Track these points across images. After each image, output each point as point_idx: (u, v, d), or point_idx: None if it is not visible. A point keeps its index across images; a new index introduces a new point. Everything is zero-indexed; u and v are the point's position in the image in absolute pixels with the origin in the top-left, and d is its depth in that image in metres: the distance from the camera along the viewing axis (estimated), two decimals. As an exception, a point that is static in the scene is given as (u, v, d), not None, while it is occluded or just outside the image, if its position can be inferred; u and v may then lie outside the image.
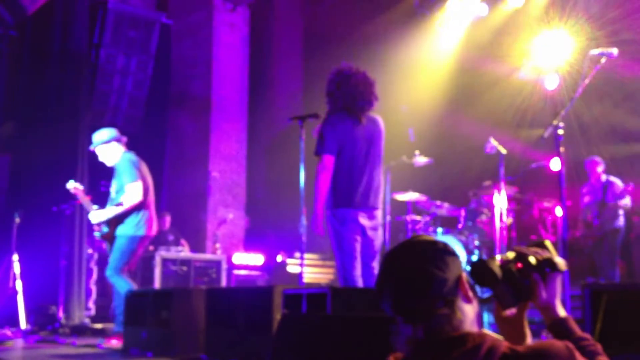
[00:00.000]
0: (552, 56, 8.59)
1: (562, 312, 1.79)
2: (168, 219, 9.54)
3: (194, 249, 9.20)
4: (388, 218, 8.77)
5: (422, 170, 8.58)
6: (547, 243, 1.85)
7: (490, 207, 7.95)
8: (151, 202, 6.04)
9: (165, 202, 10.43)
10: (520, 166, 8.14)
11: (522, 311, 1.82)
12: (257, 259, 9.20)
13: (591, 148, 8.48)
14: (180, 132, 10.57)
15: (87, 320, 7.83)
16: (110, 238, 5.91)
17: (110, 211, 5.83)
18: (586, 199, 8.22)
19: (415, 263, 1.62)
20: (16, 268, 7.29)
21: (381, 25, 10.56)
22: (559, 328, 1.76)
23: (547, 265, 1.77)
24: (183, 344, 4.88)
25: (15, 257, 7.33)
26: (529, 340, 1.81)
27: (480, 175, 8.48)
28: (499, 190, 7.64)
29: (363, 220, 4.64)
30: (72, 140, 8.43)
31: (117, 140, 6.05)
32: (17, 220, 7.42)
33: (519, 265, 1.77)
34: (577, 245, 8.04)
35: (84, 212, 8.20)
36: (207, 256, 8.62)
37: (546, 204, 8.61)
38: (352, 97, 4.66)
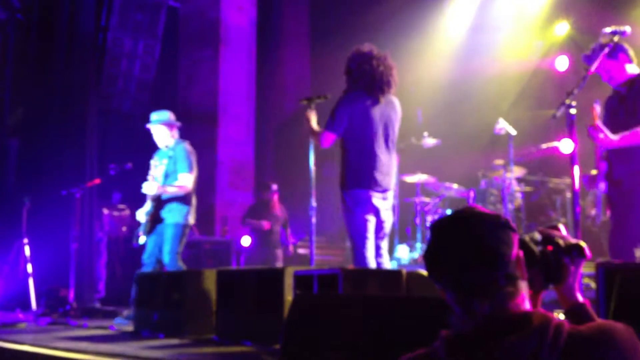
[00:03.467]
0: (562, 36, 8.53)
1: (580, 297, 1.79)
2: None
3: (203, 232, 9.22)
4: (397, 200, 8.78)
5: (430, 152, 8.56)
6: (561, 226, 1.85)
7: (500, 188, 7.93)
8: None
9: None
10: (530, 147, 8.10)
11: (540, 293, 1.79)
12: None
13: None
14: (188, 116, 10.55)
15: (97, 303, 7.88)
16: (150, 231, 5.97)
17: (161, 187, 5.90)
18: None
19: (482, 236, 1.57)
20: (27, 251, 7.33)
21: (389, 7, 10.48)
22: (579, 312, 1.76)
23: (575, 249, 1.77)
24: (194, 326, 4.91)
25: (26, 241, 7.37)
26: None
27: (490, 156, 8.45)
28: (509, 172, 7.63)
29: (376, 201, 4.65)
30: (81, 123, 8.44)
31: (174, 125, 6.18)
32: (27, 204, 7.46)
33: (550, 248, 1.76)
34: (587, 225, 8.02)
35: (93, 195, 8.24)
36: (217, 239, 8.66)
37: (556, 185, 8.57)
38: (372, 76, 4.66)
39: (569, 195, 7.96)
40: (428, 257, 1.64)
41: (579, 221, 3.79)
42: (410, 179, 8.34)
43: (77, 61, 8.67)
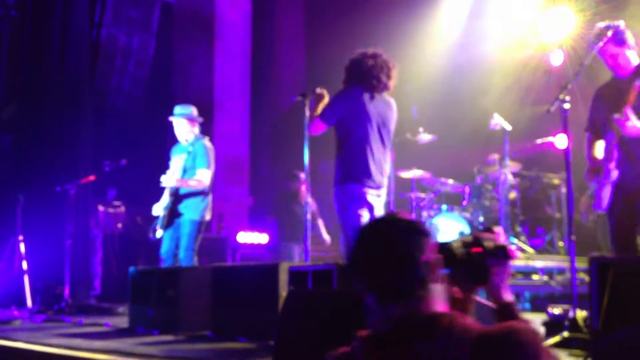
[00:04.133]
0: (557, 31, 8.53)
1: (508, 297, 1.86)
2: (172, 199, 9.53)
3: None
4: (392, 195, 8.77)
5: (426, 147, 8.55)
6: (498, 228, 1.95)
7: (495, 183, 7.93)
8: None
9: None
10: (525, 142, 8.10)
11: (472, 293, 1.89)
12: (261, 237, 9.22)
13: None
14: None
15: (93, 300, 7.87)
16: (167, 225, 5.99)
17: (179, 181, 5.96)
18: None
19: (396, 242, 1.64)
20: (22, 248, 7.31)
21: (385, 2, 10.47)
22: (505, 311, 1.83)
23: (502, 251, 1.86)
24: (189, 322, 4.90)
25: (21, 238, 7.35)
26: None
27: (485, 151, 8.44)
28: (504, 167, 7.63)
29: (370, 197, 4.65)
30: (75, 120, 8.42)
31: (196, 120, 6.22)
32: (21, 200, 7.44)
33: (477, 249, 1.86)
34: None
35: (88, 192, 8.21)
36: (212, 235, 8.64)
37: (551, 180, 8.58)
38: (370, 74, 4.70)
39: (564, 190, 7.97)
40: (349, 261, 1.72)
41: (572, 216, 3.80)
42: (406, 174, 8.34)
43: (71, 57, 8.64)
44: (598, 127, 4.32)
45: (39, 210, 7.88)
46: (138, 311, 5.37)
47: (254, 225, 9.88)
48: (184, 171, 6.00)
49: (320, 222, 8.65)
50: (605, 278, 2.69)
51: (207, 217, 6.10)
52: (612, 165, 4.05)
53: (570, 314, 3.65)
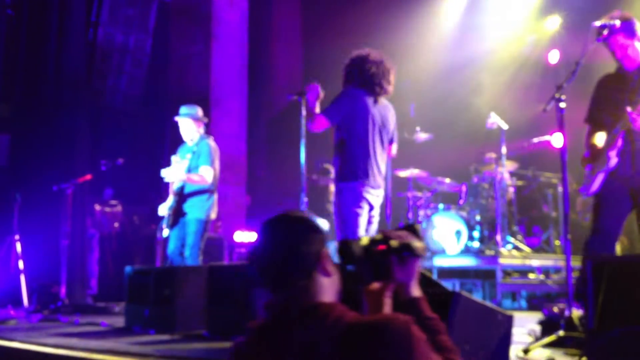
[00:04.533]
0: (554, 30, 8.53)
1: (416, 292, 1.94)
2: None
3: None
4: (389, 195, 8.76)
5: (423, 146, 8.55)
6: (417, 227, 2.03)
7: (492, 182, 7.94)
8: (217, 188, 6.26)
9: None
10: (522, 141, 8.11)
11: (384, 287, 1.94)
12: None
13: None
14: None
15: (89, 299, 7.86)
16: (173, 224, 6.03)
17: (183, 175, 5.96)
18: None
19: (281, 236, 1.78)
20: (18, 248, 7.30)
21: (382, 1, 10.47)
22: (410, 307, 1.90)
23: (406, 249, 1.92)
24: (185, 321, 4.90)
25: (17, 237, 7.34)
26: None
27: (482, 150, 8.45)
28: (501, 166, 7.63)
29: (370, 196, 4.69)
30: (72, 119, 8.40)
31: (201, 120, 6.28)
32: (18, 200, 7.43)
33: (382, 247, 1.93)
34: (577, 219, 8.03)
35: (84, 191, 8.20)
36: (209, 234, 8.62)
37: (548, 179, 8.59)
38: (372, 80, 4.74)
39: (560, 189, 7.98)
40: (248, 254, 1.85)
41: (568, 215, 3.80)
42: (403, 173, 8.34)
43: (68, 57, 8.63)
44: (600, 117, 4.25)
45: (35, 209, 7.86)
46: (134, 310, 5.36)
47: (251, 224, 9.88)
48: (189, 170, 6.03)
49: None
50: (600, 277, 2.69)
51: (213, 216, 6.13)
52: (613, 153, 4.01)
53: (566, 312, 3.66)
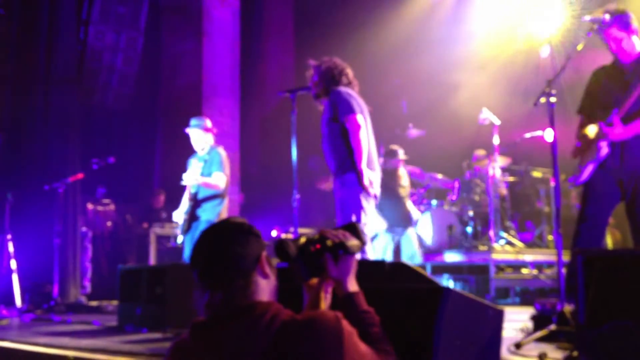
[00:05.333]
0: (545, 25, 8.53)
1: (352, 288, 2.06)
2: (162, 197, 9.51)
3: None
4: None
5: (415, 143, 8.55)
6: (357, 226, 2.17)
7: (484, 178, 7.94)
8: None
9: (159, 179, 10.39)
10: (514, 136, 8.12)
11: (321, 284, 2.08)
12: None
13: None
14: (172, 109, 10.49)
15: (82, 298, 7.83)
16: (187, 230, 6.27)
17: (200, 178, 6.22)
18: None
19: (219, 240, 1.91)
20: (10, 247, 7.27)
21: (373, -1, 10.46)
22: (346, 301, 2.03)
23: (340, 247, 2.04)
24: (177, 320, 4.87)
25: (9, 237, 7.31)
26: (324, 308, 2.07)
27: (474, 146, 8.46)
28: (493, 161, 7.64)
29: (376, 185, 4.73)
30: (63, 117, 8.36)
31: (210, 130, 6.54)
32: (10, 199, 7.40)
33: (317, 246, 2.06)
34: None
35: (76, 190, 8.17)
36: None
37: (540, 175, 8.60)
38: (352, 82, 4.92)
39: (553, 184, 7.99)
40: (189, 258, 1.96)
41: (560, 210, 3.80)
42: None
43: (59, 55, 8.58)
44: (592, 109, 4.25)
45: (27, 208, 7.83)
46: (127, 309, 5.34)
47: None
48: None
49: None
50: (591, 271, 2.69)
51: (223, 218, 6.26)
52: (604, 143, 4.02)
53: (558, 307, 3.66)
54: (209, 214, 6.23)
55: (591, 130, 4.18)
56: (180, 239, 6.32)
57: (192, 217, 6.27)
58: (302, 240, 2.08)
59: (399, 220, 7.53)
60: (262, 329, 1.79)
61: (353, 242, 2.09)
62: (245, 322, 1.81)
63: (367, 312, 2.02)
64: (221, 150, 6.44)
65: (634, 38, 4.14)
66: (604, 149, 4.02)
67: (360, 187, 4.62)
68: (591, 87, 4.32)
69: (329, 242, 2.06)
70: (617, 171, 4.08)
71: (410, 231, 7.57)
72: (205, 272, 1.91)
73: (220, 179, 6.27)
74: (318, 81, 4.94)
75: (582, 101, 4.36)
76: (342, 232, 2.11)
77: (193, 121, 6.59)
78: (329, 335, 1.77)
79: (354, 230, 2.15)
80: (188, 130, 6.55)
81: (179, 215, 6.34)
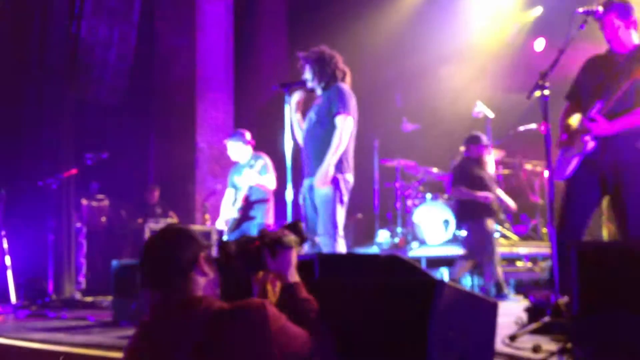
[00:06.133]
0: (538, 18, 8.54)
1: (293, 279, 2.30)
2: (156, 192, 9.50)
3: (183, 221, 9.17)
4: (377, 185, 8.78)
5: (410, 136, 8.56)
6: (298, 224, 2.43)
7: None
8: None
9: (153, 174, 10.37)
10: (508, 129, 8.13)
11: (265, 277, 2.36)
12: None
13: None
14: (166, 103, 10.46)
15: (77, 294, 7.82)
16: (234, 229, 6.53)
17: (258, 178, 6.52)
18: None
19: (159, 244, 2.14)
20: (4, 243, 7.24)
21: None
22: (287, 291, 2.28)
23: (277, 243, 2.30)
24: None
25: (3, 233, 7.28)
26: (272, 299, 2.32)
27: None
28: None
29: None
30: (56, 113, 8.33)
31: (250, 143, 6.83)
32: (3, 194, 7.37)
33: (256, 243, 2.32)
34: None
35: (70, 186, 8.15)
36: (196, 227, 8.60)
37: (534, 167, 8.61)
38: (344, 72, 4.92)
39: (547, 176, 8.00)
40: (139, 261, 2.17)
41: (553, 202, 3.80)
42: (390, 163, 8.34)
43: (52, 50, 8.54)
44: (579, 97, 4.20)
45: (21, 204, 7.81)
46: (122, 305, 5.33)
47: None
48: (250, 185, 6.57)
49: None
50: (584, 263, 2.70)
51: (270, 220, 6.69)
52: (589, 137, 3.96)
53: (552, 299, 3.67)
54: (260, 216, 6.57)
55: (575, 120, 4.14)
56: (225, 238, 6.51)
57: (243, 218, 6.55)
58: (242, 239, 2.36)
59: (488, 212, 6.75)
60: (195, 322, 1.97)
61: (290, 237, 2.32)
62: (180, 317, 2.00)
63: (306, 300, 2.24)
64: (264, 156, 6.74)
65: (632, 30, 4.09)
66: (590, 144, 3.96)
67: (339, 186, 4.65)
68: (581, 75, 4.26)
69: (266, 239, 2.30)
70: (598, 162, 4.00)
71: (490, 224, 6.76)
72: (147, 273, 2.12)
73: (271, 182, 6.60)
74: (314, 76, 4.93)
75: (570, 87, 4.29)
76: (281, 230, 2.36)
77: (234, 135, 6.94)
78: (255, 321, 1.97)
79: (295, 227, 2.40)
80: (228, 143, 6.88)
81: (231, 210, 6.61)
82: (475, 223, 6.55)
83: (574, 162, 4.06)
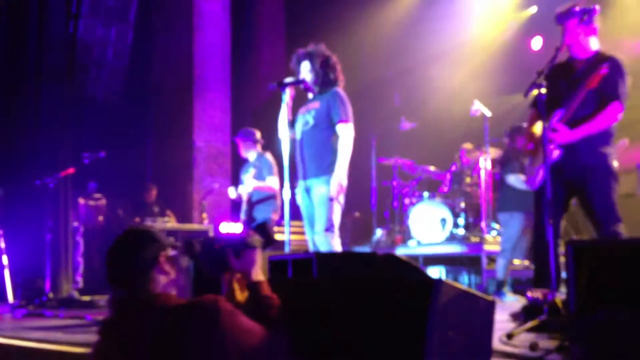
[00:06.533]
0: (535, 16, 8.54)
1: (258, 277, 2.41)
2: (154, 191, 9.49)
3: (180, 220, 9.17)
4: (374, 183, 8.78)
5: (407, 135, 8.56)
6: (266, 225, 2.60)
7: (476, 169, 7.96)
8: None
9: (150, 173, 10.36)
10: (505, 128, 8.13)
11: (232, 276, 2.47)
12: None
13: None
14: (163, 102, 10.45)
15: (74, 293, 7.81)
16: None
17: (253, 183, 6.80)
18: None
19: (122, 245, 2.26)
20: (1, 243, 7.23)
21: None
22: (252, 289, 2.39)
23: (242, 244, 2.41)
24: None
25: (0, 232, 7.27)
26: (239, 297, 2.43)
27: (465, 139, 8.47)
28: (484, 153, 7.65)
29: None
30: (54, 112, 8.32)
31: (260, 142, 7.16)
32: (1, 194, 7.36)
33: (216, 246, 2.43)
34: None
35: (67, 185, 8.14)
36: (194, 226, 8.60)
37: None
38: (340, 76, 5.03)
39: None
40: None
41: (550, 200, 3.81)
42: (388, 162, 8.34)
43: (49, 50, 8.53)
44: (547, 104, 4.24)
45: (18, 204, 7.80)
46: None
47: (237, 216, 9.84)
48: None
49: None
50: (581, 261, 2.70)
51: (275, 217, 6.89)
52: (552, 146, 4.01)
53: (549, 297, 3.68)
54: (264, 214, 6.80)
55: (539, 128, 4.19)
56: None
57: (249, 219, 6.83)
58: (207, 240, 2.46)
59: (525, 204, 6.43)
60: (152, 318, 2.09)
61: (255, 238, 2.44)
62: (138, 314, 2.12)
63: (268, 297, 2.36)
64: (269, 156, 6.99)
65: (592, 37, 4.11)
66: (555, 152, 4.04)
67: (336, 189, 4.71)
68: (548, 82, 4.26)
69: (230, 240, 2.42)
70: (566, 168, 4.08)
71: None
72: (110, 273, 2.23)
73: (274, 182, 6.82)
74: (315, 77, 4.95)
75: (535, 96, 4.32)
76: (247, 230, 2.47)
77: (243, 134, 7.20)
78: (207, 316, 2.07)
79: (263, 228, 2.55)
80: (236, 139, 7.21)
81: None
82: (524, 213, 6.36)
83: (541, 172, 4.13)
